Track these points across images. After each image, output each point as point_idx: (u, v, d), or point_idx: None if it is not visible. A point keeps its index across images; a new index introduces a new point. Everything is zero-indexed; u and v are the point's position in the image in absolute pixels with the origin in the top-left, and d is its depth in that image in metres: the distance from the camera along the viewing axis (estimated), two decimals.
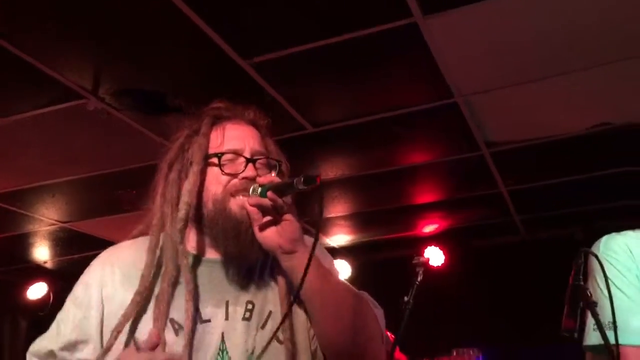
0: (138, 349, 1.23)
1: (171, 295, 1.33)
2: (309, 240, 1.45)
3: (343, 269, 5.89)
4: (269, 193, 1.30)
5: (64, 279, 6.17)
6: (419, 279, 2.76)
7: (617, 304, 1.69)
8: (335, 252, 5.93)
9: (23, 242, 5.51)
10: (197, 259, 1.40)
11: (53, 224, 5.10)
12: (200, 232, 1.41)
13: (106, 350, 1.30)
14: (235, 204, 1.35)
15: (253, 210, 1.32)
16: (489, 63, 3.17)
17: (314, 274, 1.31)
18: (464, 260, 5.67)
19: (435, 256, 5.55)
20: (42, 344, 1.39)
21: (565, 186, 4.70)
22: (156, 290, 1.35)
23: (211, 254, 1.41)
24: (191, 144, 1.43)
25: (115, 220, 5.03)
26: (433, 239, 5.69)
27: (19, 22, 2.71)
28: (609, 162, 4.38)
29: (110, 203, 4.75)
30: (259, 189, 1.32)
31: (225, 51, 2.95)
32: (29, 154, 3.92)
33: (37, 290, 6.13)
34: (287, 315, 1.35)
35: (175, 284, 1.34)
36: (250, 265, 1.40)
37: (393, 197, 4.94)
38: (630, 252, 1.91)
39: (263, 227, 1.33)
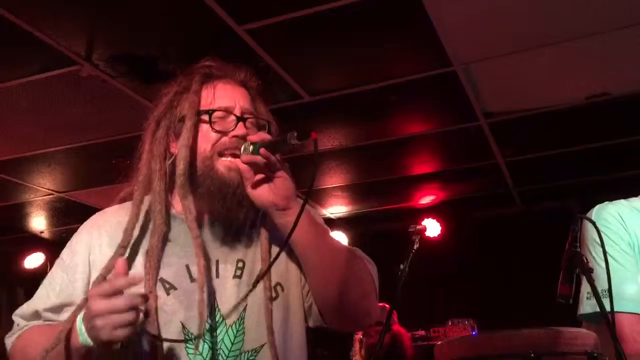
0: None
1: (161, 251, 1.32)
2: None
3: (340, 239, 5.89)
4: (262, 150, 1.28)
5: (60, 248, 6.17)
6: (415, 247, 2.74)
7: (611, 272, 1.70)
8: (331, 223, 5.93)
9: (19, 212, 5.50)
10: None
11: (49, 194, 5.08)
12: (190, 191, 1.38)
13: (86, 300, 1.26)
14: (223, 164, 1.34)
15: (245, 169, 1.31)
16: (488, 30, 3.13)
17: (308, 229, 1.31)
18: (461, 232, 5.69)
19: (431, 227, 5.56)
20: (28, 305, 1.39)
21: (563, 157, 4.69)
22: (144, 246, 1.34)
23: (198, 212, 1.38)
24: (180, 101, 1.41)
25: (111, 190, 4.96)
26: (430, 211, 5.70)
27: None
28: (607, 133, 4.36)
29: (105, 172, 4.71)
30: (251, 147, 1.30)
31: (221, 17, 2.91)
32: (23, 121, 3.88)
33: (34, 260, 6.15)
34: (268, 271, 1.35)
35: (165, 240, 1.33)
36: (238, 225, 1.38)
37: (390, 168, 4.93)
38: (622, 220, 1.91)
39: (256, 185, 1.32)
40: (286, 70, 3.42)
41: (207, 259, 1.32)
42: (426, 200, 5.64)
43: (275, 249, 1.39)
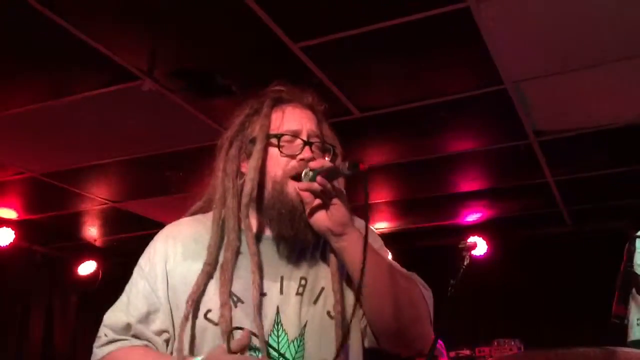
0: (229, 350, 1.27)
1: (234, 264, 1.39)
2: (358, 221, 1.49)
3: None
4: (318, 178, 1.35)
5: (112, 257, 6.36)
6: (465, 263, 2.74)
7: None
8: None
9: (75, 220, 5.69)
10: (256, 236, 1.45)
11: (104, 203, 5.25)
12: (257, 211, 1.47)
13: (185, 317, 1.36)
14: (293, 187, 1.41)
15: (305, 194, 1.38)
16: (540, 49, 3.14)
17: (360, 256, 1.34)
18: (508, 251, 5.63)
19: (479, 245, 5.52)
20: (116, 315, 1.45)
21: (614, 177, 4.62)
22: (220, 260, 1.41)
23: (267, 232, 1.46)
24: (251, 123, 1.49)
25: (163, 201, 5.15)
26: (476, 229, 5.66)
27: (78, 4, 2.79)
28: None
29: (158, 184, 4.86)
30: (311, 173, 1.37)
31: (276, 34, 3.00)
32: (83, 133, 4.04)
33: (87, 267, 6.34)
34: (340, 289, 1.41)
35: (237, 254, 1.41)
36: (305, 245, 1.45)
37: (438, 184, 4.94)
38: None
39: (314, 211, 1.39)
40: (338, 87, 3.49)
41: (261, 276, 1.39)
42: (473, 217, 5.61)
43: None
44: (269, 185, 1.43)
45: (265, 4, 2.79)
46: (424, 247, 5.97)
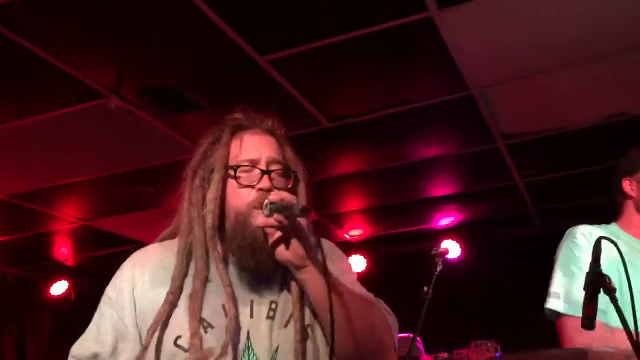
0: None
1: (203, 294, 1.40)
2: (326, 244, 1.51)
3: (359, 263, 5.94)
4: (275, 215, 1.35)
5: (84, 276, 6.27)
6: (438, 269, 2.78)
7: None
8: (351, 246, 5.97)
9: (45, 240, 5.60)
10: (224, 262, 1.46)
11: (74, 222, 5.18)
12: (221, 240, 1.47)
13: (145, 347, 1.38)
14: (254, 219, 1.41)
15: (266, 227, 1.39)
16: (504, 55, 3.20)
17: (321, 288, 1.36)
18: (481, 253, 5.69)
19: (451, 249, 5.57)
20: (83, 346, 1.44)
21: (582, 177, 4.70)
22: (186, 289, 1.42)
23: (230, 260, 1.46)
24: (213, 152, 1.49)
25: (134, 218, 5.10)
26: (449, 232, 5.71)
27: (43, 24, 2.77)
28: (625, 153, 4.37)
29: (129, 200, 4.82)
30: (269, 206, 1.37)
31: (242, 48, 3.00)
32: (50, 153, 4.00)
33: (59, 288, 6.24)
34: (301, 317, 1.42)
35: (205, 282, 1.41)
36: (271, 272, 1.46)
37: (409, 190, 4.97)
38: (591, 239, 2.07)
39: (275, 243, 1.39)
40: (306, 97, 3.51)
41: (236, 305, 1.40)
42: (446, 221, 5.67)
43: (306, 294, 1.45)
44: (231, 216, 1.43)
45: (230, 18, 2.80)
46: (399, 253, 6.00)
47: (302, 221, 1.40)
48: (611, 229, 2.31)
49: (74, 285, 6.32)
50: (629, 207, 2.37)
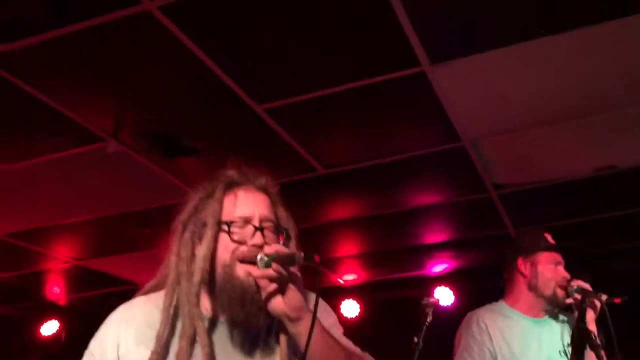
0: None
1: (190, 354, 1.39)
2: (312, 296, 1.50)
3: (352, 308, 5.91)
4: (274, 265, 1.37)
5: (76, 316, 6.23)
6: (428, 320, 2.77)
7: None
8: (344, 291, 5.96)
9: (37, 280, 5.58)
10: (211, 321, 1.47)
11: (68, 262, 5.18)
12: (211, 295, 1.48)
13: None
14: (242, 270, 1.41)
15: (261, 281, 1.39)
16: (495, 108, 3.27)
17: (316, 340, 1.38)
18: (474, 300, 5.66)
19: (445, 296, 5.57)
20: None
21: (573, 228, 4.74)
22: (172, 349, 1.41)
23: (221, 317, 1.47)
24: (204, 206, 1.50)
25: (128, 258, 5.11)
26: (442, 279, 5.71)
27: (42, 69, 2.84)
28: (615, 205, 4.43)
29: (124, 242, 4.83)
30: (265, 258, 1.38)
31: (239, 96, 3.07)
32: (47, 194, 4.03)
33: (49, 327, 6.19)
34: None
35: (193, 342, 1.41)
36: (257, 330, 1.46)
37: (402, 237, 5.00)
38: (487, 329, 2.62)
39: (270, 296, 1.39)
40: (302, 145, 3.57)
41: None
42: (439, 268, 5.67)
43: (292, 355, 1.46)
44: (219, 269, 1.44)
45: (229, 69, 2.87)
46: (393, 298, 5.98)
47: (298, 273, 1.42)
48: (500, 308, 2.67)
49: (65, 326, 6.28)
50: (520, 284, 2.66)
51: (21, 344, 6.24)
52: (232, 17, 2.55)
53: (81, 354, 1.51)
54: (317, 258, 1.33)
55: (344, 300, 5.91)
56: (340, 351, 1.43)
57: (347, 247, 5.22)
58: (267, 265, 1.37)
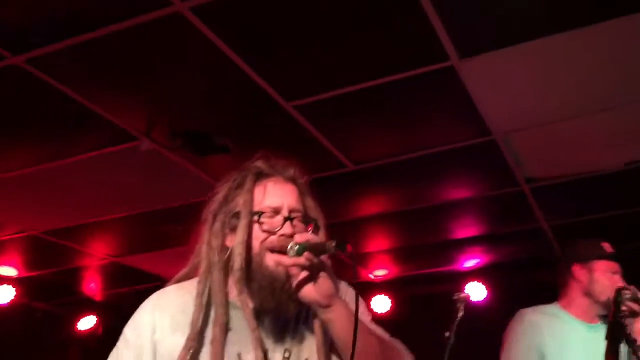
0: None
1: (224, 341, 1.42)
2: (344, 286, 1.55)
3: (383, 303, 5.92)
4: (306, 253, 1.38)
5: (112, 311, 6.36)
6: (460, 315, 2.78)
7: None
8: (374, 287, 5.97)
9: (75, 276, 5.72)
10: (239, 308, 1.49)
11: (104, 258, 5.29)
12: (244, 283, 1.48)
13: None
14: (272, 259, 1.43)
15: (292, 268, 1.41)
16: (525, 102, 3.24)
17: (347, 328, 1.39)
18: (507, 295, 5.63)
19: (476, 291, 5.53)
20: None
21: (607, 222, 4.67)
22: (207, 335, 1.44)
23: (251, 305, 1.48)
24: (234, 197, 1.53)
25: (161, 255, 5.19)
26: (474, 274, 5.68)
27: (77, 70, 2.91)
28: None
29: (157, 238, 4.91)
30: (296, 247, 1.40)
31: (271, 95, 3.11)
32: (82, 192, 4.13)
33: (87, 323, 6.33)
34: None
35: (226, 330, 1.43)
36: (288, 317, 1.48)
37: (433, 232, 4.98)
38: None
39: (301, 283, 1.41)
40: (331, 141, 3.59)
41: (263, 350, 1.42)
42: (470, 263, 5.64)
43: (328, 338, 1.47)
44: (252, 259, 1.46)
45: (257, 66, 2.90)
46: (424, 294, 5.97)
47: (328, 261, 1.43)
48: (553, 310, 2.72)
49: (102, 321, 6.41)
50: (575, 290, 2.70)
51: (60, 338, 6.38)
52: (262, 15, 2.58)
53: None
54: (349, 247, 1.34)
55: (375, 295, 5.92)
56: (374, 339, 1.45)
57: (378, 242, 5.23)
58: (299, 253, 1.38)
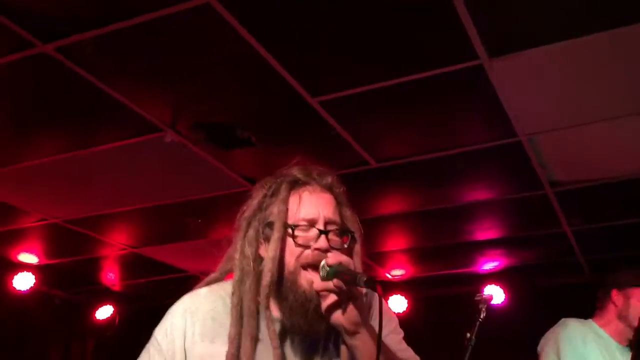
0: None
1: (254, 354, 1.40)
2: (376, 301, 1.50)
3: (400, 303, 5.90)
4: (335, 280, 1.35)
5: (129, 302, 6.41)
6: (482, 316, 2.76)
7: None
8: (392, 286, 5.94)
9: (94, 265, 5.76)
10: (280, 324, 1.45)
11: (123, 249, 5.32)
12: (277, 297, 1.45)
13: None
14: (305, 279, 1.40)
15: (321, 290, 1.38)
16: (553, 103, 3.20)
17: (371, 356, 1.36)
18: (526, 299, 5.58)
19: (495, 294, 5.48)
20: None
21: (631, 228, 4.61)
22: (242, 346, 1.41)
23: (282, 319, 1.46)
24: (269, 205, 1.49)
25: (181, 247, 5.22)
26: (493, 277, 5.63)
27: (108, 61, 2.92)
28: None
29: (177, 231, 4.93)
30: (327, 268, 1.37)
31: (296, 90, 3.09)
32: (105, 182, 4.15)
33: (104, 312, 6.38)
34: None
35: (256, 342, 1.41)
36: (318, 337, 1.45)
37: (453, 233, 4.95)
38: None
39: (330, 307, 1.37)
40: (355, 138, 3.56)
41: None
42: (489, 266, 5.59)
43: None
44: (285, 275, 1.42)
45: (285, 61, 2.89)
46: (441, 295, 5.94)
47: (358, 290, 1.38)
48: (592, 327, 2.99)
49: (119, 311, 6.46)
50: (611, 313, 2.98)
51: (77, 327, 6.44)
52: (290, 9, 2.56)
53: (133, 338, 1.54)
54: (379, 289, 1.30)
55: (391, 295, 5.90)
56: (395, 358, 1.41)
57: (397, 241, 5.20)
58: (329, 276, 1.36)
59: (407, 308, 5.91)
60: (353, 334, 1.38)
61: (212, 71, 2.99)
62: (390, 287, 5.92)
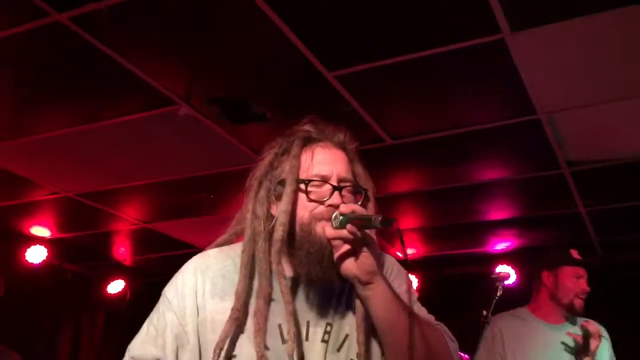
0: None
1: (267, 312, 1.37)
2: (387, 259, 1.51)
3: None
4: (349, 226, 1.32)
5: (140, 276, 6.43)
6: (498, 294, 2.77)
7: None
8: (403, 264, 5.93)
9: (106, 240, 5.77)
10: (292, 280, 1.43)
11: (135, 224, 5.32)
12: (288, 254, 1.43)
13: None
14: (321, 227, 1.38)
15: (333, 240, 1.36)
16: (574, 80, 3.14)
17: (389, 307, 1.35)
18: None
19: (510, 276, 5.46)
20: (144, 348, 1.41)
21: None
22: (251, 306, 1.39)
23: (295, 275, 1.44)
24: (280, 163, 1.46)
25: (193, 223, 5.21)
26: (505, 257, 5.60)
27: (123, 33, 2.88)
28: None
29: (189, 206, 4.92)
30: (341, 217, 1.34)
31: (312, 63, 3.04)
32: (118, 156, 4.13)
33: (115, 287, 6.42)
34: (366, 342, 1.40)
35: (269, 301, 1.39)
36: (330, 289, 1.43)
37: (467, 212, 4.91)
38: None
39: (342, 256, 1.35)
40: (370, 114, 3.52)
41: (297, 324, 1.37)
42: (502, 246, 5.56)
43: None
44: (297, 228, 1.40)
45: (302, 34, 2.84)
46: (452, 274, 5.93)
47: (373, 235, 1.38)
48: (520, 313, 3.05)
49: (130, 285, 6.50)
50: (544, 294, 3.01)
51: (89, 301, 6.48)
52: None
53: (144, 313, 1.49)
54: (395, 224, 1.28)
55: None
56: (406, 318, 1.37)
57: (409, 220, 5.17)
58: (342, 224, 1.33)
59: (417, 287, 5.90)
60: (367, 283, 1.35)
61: (228, 44, 2.95)
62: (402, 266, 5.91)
